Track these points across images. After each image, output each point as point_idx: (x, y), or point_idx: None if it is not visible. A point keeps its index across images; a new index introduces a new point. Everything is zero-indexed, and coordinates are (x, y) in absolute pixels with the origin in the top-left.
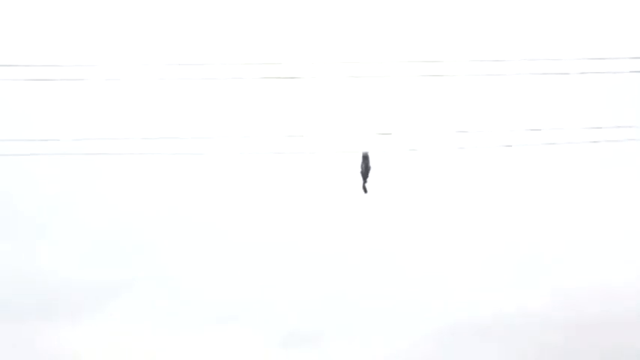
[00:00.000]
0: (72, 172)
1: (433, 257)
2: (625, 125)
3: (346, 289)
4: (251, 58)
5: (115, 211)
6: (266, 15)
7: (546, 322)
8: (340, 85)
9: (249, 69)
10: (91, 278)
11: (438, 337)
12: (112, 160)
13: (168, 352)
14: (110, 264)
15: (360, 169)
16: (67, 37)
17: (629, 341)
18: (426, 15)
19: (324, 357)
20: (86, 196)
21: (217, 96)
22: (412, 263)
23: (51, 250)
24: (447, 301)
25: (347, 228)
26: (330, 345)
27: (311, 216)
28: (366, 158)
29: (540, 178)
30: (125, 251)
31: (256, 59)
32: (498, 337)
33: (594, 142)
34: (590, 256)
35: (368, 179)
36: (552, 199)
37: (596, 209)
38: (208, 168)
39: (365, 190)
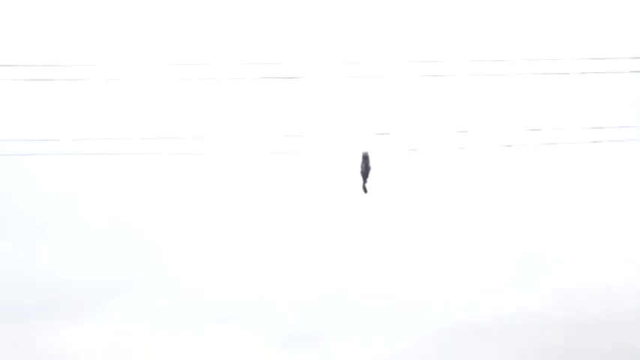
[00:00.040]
0: (72, 172)
1: (433, 257)
2: (625, 125)
3: (346, 289)
4: (251, 58)
5: (115, 211)
6: (266, 15)
7: (546, 322)
8: (340, 85)
9: (249, 69)
10: (91, 278)
11: (438, 337)
12: (112, 160)
13: (168, 352)
14: (110, 264)
15: (360, 169)
16: (67, 37)
17: (629, 341)
18: (425, 15)
19: (324, 357)
20: (86, 196)
21: (217, 96)
22: (412, 263)
23: (51, 250)
24: (447, 301)
25: (347, 228)
26: (330, 345)
27: (311, 216)
28: (366, 158)
29: (540, 178)
30: (125, 251)
31: (256, 59)
32: (498, 337)
33: (594, 142)
34: (590, 256)
35: (368, 179)
36: (552, 199)
37: (596, 209)
38: (208, 168)
39: (365, 190)
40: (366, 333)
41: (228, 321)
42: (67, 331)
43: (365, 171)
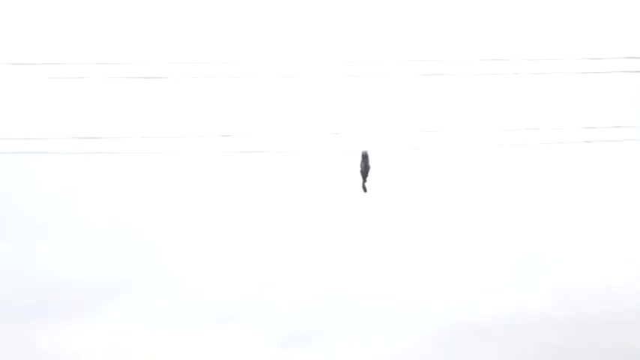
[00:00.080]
0: (72, 172)
1: (433, 257)
2: (625, 125)
3: (346, 289)
4: (251, 57)
5: (115, 211)
6: (266, 15)
7: (546, 322)
8: (340, 85)
9: (249, 68)
10: (91, 278)
11: (438, 337)
12: (112, 160)
13: (168, 352)
14: (110, 264)
15: (359, 169)
16: (67, 36)
17: (629, 341)
18: (426, 15)
19: (324, 357)
20: (86, 196)
21: (217, 95)
22: (412, 263)
23: (51, 250)
24: (447, 301)
25: (347, 228)
26: (330, 345)
27: (311, 216)
28: (365, 157)
29: (540, 178)
30: (125, 251)
31: (256, 58)
32: (498, 337)
33: (594, 142)
34: (590, 256)
35: (367, 178)
36: (552, 199)
37: (595, 209)
38: (208, 168)
39: (365, 190)
40: (366, 333)
41: (228, 321)
42: (67, 331)
43: (364, 170)
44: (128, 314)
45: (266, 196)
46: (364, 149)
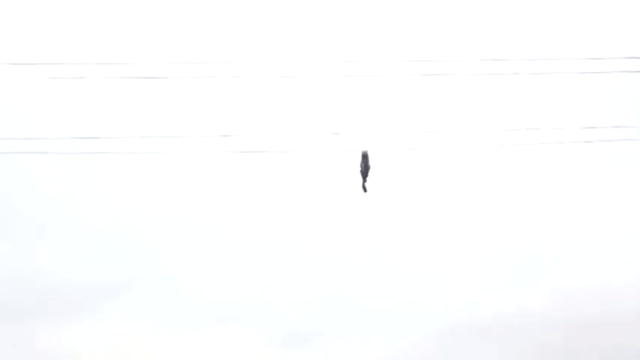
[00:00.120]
0: (72, 172)
1: (433, 257)
2: (625, 125)
3: (346, 289)
4: (251, 57)
5: (115, 211)
6: (266, 15)
7: (546, 322)
8: (340, 85)
9: (249, 68)
10: (91, 278)
11: (438, 337)
12: (112, 159)
13: (168, 352)
14: (110, 264)
15: (359, 169)
16: (67, 35)
17: (629, 341)
18: (426, 15)
19: (324, 357)
20: (86, 196)
21: (217, 95)
22: (412, 263)
23: (51, 250)
24: (447, 301)
25: (347, 228)
26: (330, 345)
27: (311, 216)
28: (365, 157)
29: (540, 178)
30: (125, 251)
31: (256, 59)
32: (498, 337)
33: (594, 141)
34: (590, 256)
35: (367, 178)
36: (552, 199)
37: (595, 209)
38: (208, 168)
39: (364, 190)
40: (366, 333)
41: (228, 321)
42: (67, 331)
43: (364, 170)
44: (128, 314)
45: (266, 196)
46: (364, 149)
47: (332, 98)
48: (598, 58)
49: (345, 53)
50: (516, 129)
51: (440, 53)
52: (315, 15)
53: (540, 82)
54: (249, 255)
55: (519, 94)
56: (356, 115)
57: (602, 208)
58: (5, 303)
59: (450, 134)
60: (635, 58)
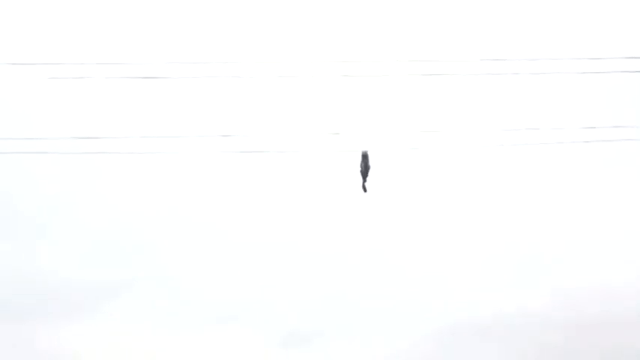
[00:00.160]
0: (72, 172)
1: (433, 257)
2: (625, 125)
3: (346, 289)
4: (251, 57)
5: (115, 211)
6: (265, 15)
7: (546, 322)
8: (340, 85)
9: (249, 68)
10: (91, 278)
11: (438, 337)
12: (112, 159)
13: (168, 352)
14: (110, 264)
15: (359, 169)
16: (67, 35)
17: (629, 341)
18: (426, 15)
19: (324, 357)
20: (86, 196)
21: (217, 95)
22: (412, 263)
23: (51, 250)
24: (447, 301)
25: (347, 227)
26: (330, 345)
27: (311, 216)
28: (365, 157)
29: (540, 178)
30: (125, 251)
31: (255, 58)
32: (498, 337)
33: (594, 141)
34: (590, 256)
35: (367, 178)
36: (552, 199)
37: (595, 209)
38: (208, 168)
39: (364, 190)
40: (366, 333)
41: (228, 321)
42: (67, 330)
43: (364, 170)
44: (128, 314)
45: (266, 196)
46: (364, 149)
47: (332, 98)
48: (598, 58)
49: (344, 53)
50: (516, 129)
51: (440, 53)
52: (315, 15)
53: (540, 82)
54: (249, 255)
55: (519, 94)
56: (356, 115)
57: (602, 208)
58: (5, 303)
59: (450, 134)
60: (635, 58)
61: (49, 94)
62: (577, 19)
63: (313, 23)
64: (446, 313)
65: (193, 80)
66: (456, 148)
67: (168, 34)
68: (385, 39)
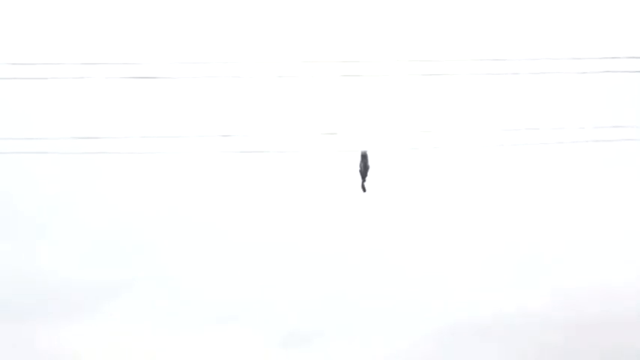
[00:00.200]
0: (72, 172)
1: (433, 257)
2: (625, 125)
3: (346, 289)
4: (250, 57)
5: (115, 211)
6: (265, 15)
7: (546, 322)
8: (339, 85)
9: (249, 67)
10: (91, 278)
11: (438, 337)
12: (112, 159)
13: (168, 352)
14: (110, 264)
15: (358, 168)
16: (67, 35)
17: (629, 341)
18: (425, 15)
19: (324, 357)
20: (86, 196)
21: (217, 95)
22: (412, 263)
23: (51, 250)
24: (447, 301)
25: (346, 227)
26: (330, 345)
27: (310, 216)
28: (364, 157)
29: (540, 178)
30: (125, 251)
31: (255, 59)
32: (498, 337)
33: (594, 141)
34: (590, 256)
35: (367, 178)
36: (552, 199)
37: (596, 209)
38: (208, 167)
39: (364, 190)
40: (366, 333)
41: (228, 321)
42: (67, 330)
43: (364, 170)
44: (128, 314)
45: (266, 196)
46: (363, 149)
47: (331, 98)
48: (598, 58)
49: (344, 53)
50: (516, 129)
51: (440, 53)
52: (315, 15)
53: (540, 82)
54: (249, 255)
55: (519, 94)
56: (355, 115)
57: (602, 208)
58: (5, 303)
59: (449, 134)
60: (635, 57)
61: (49, 94)
62: (577, 19)
63: (313, 23)
64: (446, 313)
65: (193, 80)
66: (456, 148)
67: (169, 34)
68: (385, 39)
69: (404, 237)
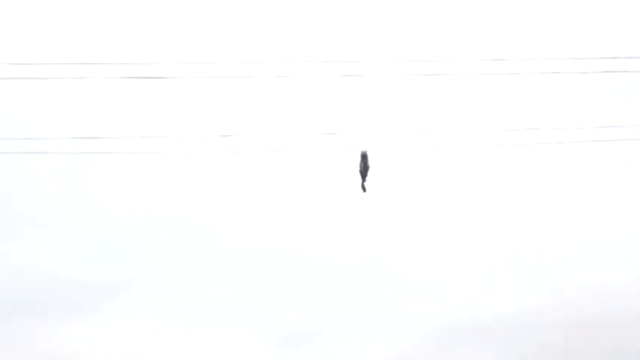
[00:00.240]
0: (72, 172)
1: (433, 257)
2: (625, 125)
3: (346, 289)
4: (250, 57)
5: (115, 211)
6: (264, 15)
7: (546, 322)
8: (339, 84)
9: (248, 67)
10: (91, 278)
11: (438, 337)
12: (112, 159)
13: (168, 352)
14: (110, 264)
15: (358, 168)
16: (67, 35)
17: (629, 341)
18: (425, 15)
19: (324, 357)
20: (86, 196)
21: (216, 95)
22: (412, 263)
23: (51, 250)
24: (447, 301)
25: (346, 227)
26: (330, 345)
27: (310, 216)
28: (364, 157)
29: (540, 178)
30: (125, 251)
31: (254, 58)
32: (498, 337)
33: (594, 141)
34: (590, 256)
35: (367, 178)
36: (552, 199)
37: (596, 209)
38: (208, 168)
39: (364, 190)
40: (366, 333)
41: (228, 321)
42: (67, 330)
43: (364, 170)
44: (128, 314)
45: (266, 196)
46: (363, 149)
47: (331, 98)
48: (598, 58)
49: (344, 53)
50: (516, 129)
51: (439, 53)
52: (314, 15)
53: (540, 82)
54: (249, 255)
55: (519, 94)
56: (355, 115)
57: (603, 208)
58: (5, 303)
59: (449, 134)
60: (635, 57)
61: (49, 94)
62: (577, 19)
63: (313, 23)
64: (446, 313)
65: (193, 80)
66: (456, 148)
67: (169, 34)
68: (384, 39)
69: (404, 237)
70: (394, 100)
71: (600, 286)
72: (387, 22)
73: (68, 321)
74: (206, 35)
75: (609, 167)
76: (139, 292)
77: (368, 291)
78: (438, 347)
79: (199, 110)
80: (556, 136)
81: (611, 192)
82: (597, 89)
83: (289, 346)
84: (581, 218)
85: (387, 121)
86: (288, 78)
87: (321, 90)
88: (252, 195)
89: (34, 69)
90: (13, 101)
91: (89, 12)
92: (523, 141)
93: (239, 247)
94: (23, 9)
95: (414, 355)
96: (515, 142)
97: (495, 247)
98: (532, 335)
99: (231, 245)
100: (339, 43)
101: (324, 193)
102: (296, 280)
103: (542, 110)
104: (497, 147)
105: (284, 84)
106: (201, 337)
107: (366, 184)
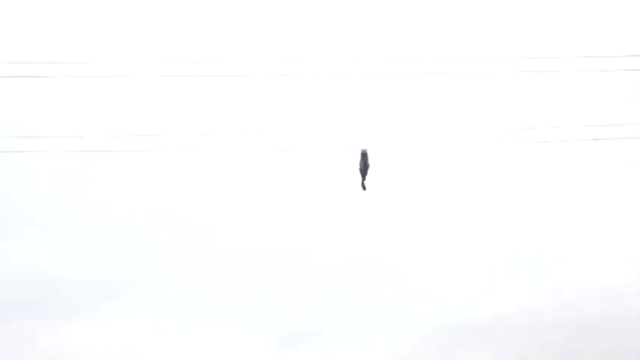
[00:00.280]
0: (72, 171)
1: (433, 257)
2: (625, 124)
3: (346, 289)
4: (249, 56)
5: (115, 211)
6: (266, 14)
7: (546, 322)
8: (339, 83)
9: (248, 67)
10: (91, 278)
11: (438, 337)
12: (112, 159)
13: (168, 352)
14: (110, 264)
15: (358, 167)
16: (67, 34)
17: (629, 341)
18: (425, 14)
19: (324, 357)
20: (86, 196)
21: (216, 94)
22: (412, 263)
23: (51, 250)
24: (447, 301)
25: (346, 226)
26: (330, 345)
27: (310, 215)
28: (364, 156)
29: (540, 178)
30: (125, 251)
31: (254, 57)
32: (498, 337)
33: (594, 140)
34: (590, 256)
35: (367, 177)
36: (552, 198)
37: (596, 209)
38: (208, 167)
39: (364, 188)
40: (366, 333)
41: (228, 321)
42: (67, 330)
43: (364, 169)
44: (128, 314)
45: (265, 196)
46: (363, 148)
47: (331, 97)
48: (598, 57)
49: (344, 53)
50: (516, 128)
51: (439, 52)
52: (315, 15)
53: (539, 81)
54: (249, 255)
55: (518, 94)
56: (355, 114)
57: (602, 208)
58: (5, 303)
59: (449, 133)
60: (635, 56)
61: (49, 94)
62: (577, 19)
63: (313, 23)
64: (446, 313)
65: (194, 80)
66: (456, 146)
67: (169, 34)
68: (385, 38)
69: (404, 236)
70: (394, 99)
71: (600, 286)
72: (387, 22)
73: (68, 321)
74: (207, 34)
75: (609, 166)
76: (139, 292)
77: (368, 291)
78: (438, 347)
79: (200, 110)
80: (556, 135)
81: (611, 191)
82: (597, 88)
83: (289, 346)
84: (581, 218)
85: (386, 119)
86: (289, 77)
87: (322, 89)
88: (251, 194)
89: (33, 68)
90: (12, 101)
91: (89, 12)
92: (523, 140)
93: (239, 247)
94: (23, 9)
95: (414, 355)
96: (515, 140)
97: (495, 247)
98: (532, 335)
99: (231, 245)
100: (339, 43)
101: (324, 191)
102: (296, 280)
103: (543, 109)
104: (497, 146)
105: (284, 83)
106: (201, 337)
107: (366, 182)
